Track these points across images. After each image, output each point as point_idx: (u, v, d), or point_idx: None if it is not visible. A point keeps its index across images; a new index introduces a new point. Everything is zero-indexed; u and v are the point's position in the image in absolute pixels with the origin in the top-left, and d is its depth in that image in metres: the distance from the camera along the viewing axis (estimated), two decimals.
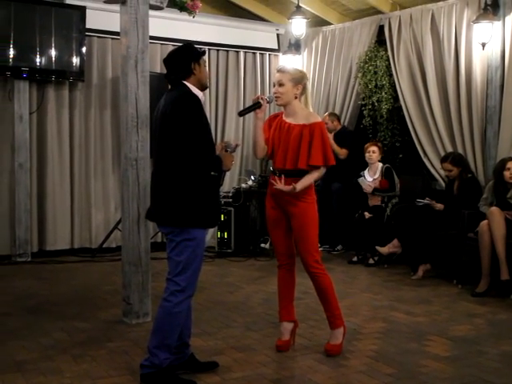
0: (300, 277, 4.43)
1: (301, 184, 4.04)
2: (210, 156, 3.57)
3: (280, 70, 4.15)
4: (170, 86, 3.73)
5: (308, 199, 4.13)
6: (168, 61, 3.69)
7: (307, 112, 4.17)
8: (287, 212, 4.16)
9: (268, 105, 4.15)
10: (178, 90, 3.58)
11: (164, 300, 3.57)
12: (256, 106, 4.08)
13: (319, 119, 4.17)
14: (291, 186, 3.99)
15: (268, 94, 4.25)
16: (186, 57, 3.65)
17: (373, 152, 7.26)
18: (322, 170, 4.15)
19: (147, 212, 3.83)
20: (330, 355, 4.11)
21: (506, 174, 5.90)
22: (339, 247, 7.97)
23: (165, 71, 3.73)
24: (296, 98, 4.13)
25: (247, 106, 4.19)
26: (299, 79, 4.12)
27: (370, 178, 7.30)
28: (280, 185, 4.01)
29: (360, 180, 7.30)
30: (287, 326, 4.29)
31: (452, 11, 6.78)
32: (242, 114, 4.24)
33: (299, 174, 4.09)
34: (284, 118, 4.19)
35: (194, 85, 3.61)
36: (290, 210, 4.13)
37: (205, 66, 3.71)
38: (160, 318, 3.57)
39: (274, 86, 4.16)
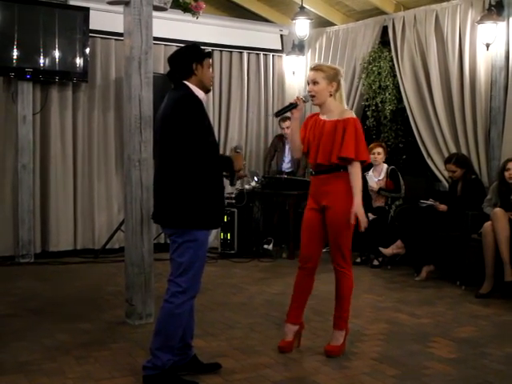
0: None
1: (357, 197, 4.04)
2: (215, 156, 3.57)
3: (314, 68, 4.16)
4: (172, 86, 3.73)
5: (344, 193, 4.08)
6: (171, 60, 3.68)
7: (342, 109, 4.17)
8: (324, 207, 4.12)
9: (304, 104, 4.17)
10: (179, 90, 3.57)
11: (165, 301, 3.56)
12: (292, 106, 4.13)
13: (353, 115, 4.15)
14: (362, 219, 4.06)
15: (304, 93, 4.26)
16: (187, 57, 3.63)
17: (378, 154, 7.24)
18: (358, 167, 4.08)
19: (153, 214, 3.81)
20: (330, 356, 4.10)
21: (506, 174, 5.91)
22: None
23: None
24: (331, 95, 4.13)
25: (283, 106, 4.23)
26: (333, 76, 4.12)
27: (374, 178, 7.29)
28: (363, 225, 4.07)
29: (368, 176, 7.26)
30: (292, 328, 4.27)
31: (456, 12, 6.77)
32: (278, 114, 4.29)
33: (330, 169, 4.10)
34: (320, 116, 4.21)
35: (195, 85, 3.59)
36: (325, 204, 4.10)
37: (209, 68, 3.67)
38: (162, 320, 3.56)
39: (309, 84, 4.16)
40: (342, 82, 4.21)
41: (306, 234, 4.24)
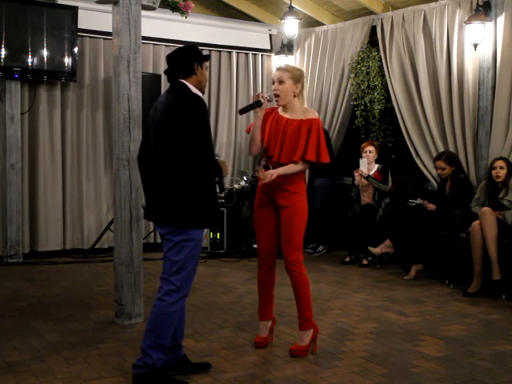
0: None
1: (282, 170, 4.09)
2: (213, 158, 3.58)
3: (280, 68, 4.21)
4: (169, 84, 3.73)
5: (299, 194, 4.16)
6: (171, 58, 3.68)
7: (305, 108, 4.22)
8: (278, 205, 4.18)
9: (268, 103, 4.19)
10: (180, 90, 3.57)
11: (158, 300, 3.56)
12: (257, 104, 4.12)
13: (317, 115, 4.21)
14: (269, 173, 4.05)
15: (268, 93, 4.27)
16: (190, 56, 3.65)
17: (369, 152, 7.26)
18: (307, 166, 4.19)
19: (147, 213, 3.77)
20: (294, 356, 4.12)
21: (493, 172, 5.95)
22: (320, 248, 7.96)
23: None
24: (295, 96, 4.17)
25: (247, 104, 4.22)
26: (299, 77, 4.17)
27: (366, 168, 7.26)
28: (261, 174, 4.05)
29: (361, 161, 7.21)
30: (266, 324, 4.37)
31: (444, 12, 6.79)
32: (242, 111, 4.28)
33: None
34: (281, 113, 4.23)
35: (193, 85, 3.61)
36: (281, 203, 4.15)
37: (206, 70, 3.72)
38: (154, 318, 3.56)
39: (274, 83, 4.19)
40: (305, 83, 4.29)
41: (262, 229, 4.29)
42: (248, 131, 4.32)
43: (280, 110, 4.25)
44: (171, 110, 3.50)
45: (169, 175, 3.52)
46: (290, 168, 4.11)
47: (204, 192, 3.54)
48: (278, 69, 4.21)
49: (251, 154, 4.38)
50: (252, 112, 4.29)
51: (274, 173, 4.06)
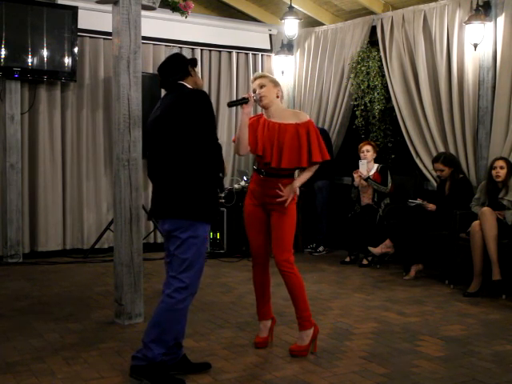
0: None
1: (299, 181, 4.21)
2: (219, 152, 3.63)
3: (257, 77, 4.29)
4: (166, 91, 3.75)
5: (293, 201, 4.21)
6: (164, 67, 3.72)
7: (292, 111, 4.31)
8: (268, 208, 4.21)
9: (255, 103, 4.21)
10: (179, 89, 3.61)
11: (167, 296, 3.57)
12: (244, 100, 4.15)
13: (308, 117, 4.28)
14: (287, 188, 4.12)
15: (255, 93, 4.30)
16: (182, 60, 3.72)
17: (367, 151, 7.25)
18: (316, 167, 4.28)
19: (153, 210, 3.77)
20: (294, 356, 4.13)
21: (493, 172, 5.95)
22: (321, 249, 7.96)
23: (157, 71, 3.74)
24: (278, 97, 4.23)
25: (236, 99, 4.25)
26: (276, 82, 4.27)
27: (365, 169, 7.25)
28: (282, 193, 4.11)
29: (360, 163, 7.20)
30: (266, 324, 4.39)
31: (444, 12, 6.80)
32: (230, 105, 4.37)
33: (289, 174, 4.21)
34: (269, 119, 4.23)
35: (191, 86, 3.67)
36: (271, 206, 4.18)
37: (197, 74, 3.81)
38: (161, 313, 3.57)
39: (255, 91, 4.22)
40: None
41: (254, 229, 4.31)
42: (234, 140, 4.29)
43: (265, 115, 4.26)
44: (175, 107, 3.54)
45: (176, 170, 3.54)
46: (305, 176, 4.24)
47: (210, 186, 3.60)
48: (256, 78, 4.28)
49: (239, 154, 4.29)
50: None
51: (295, 188, 4.16)
